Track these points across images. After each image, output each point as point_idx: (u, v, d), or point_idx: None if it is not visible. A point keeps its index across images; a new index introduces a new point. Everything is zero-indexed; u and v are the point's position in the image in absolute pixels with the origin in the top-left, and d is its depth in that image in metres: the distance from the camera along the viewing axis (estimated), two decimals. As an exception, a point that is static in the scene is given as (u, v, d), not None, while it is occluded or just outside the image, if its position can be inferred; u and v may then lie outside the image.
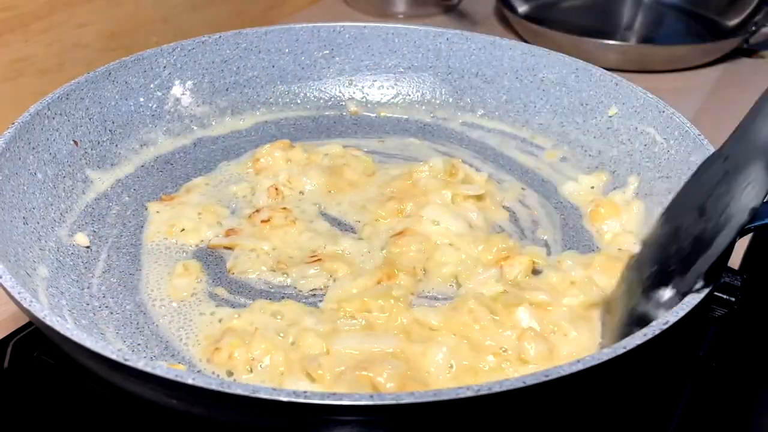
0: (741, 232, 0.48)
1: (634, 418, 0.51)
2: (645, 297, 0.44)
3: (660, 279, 0.44)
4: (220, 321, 0.52)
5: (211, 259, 0.57)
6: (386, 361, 0.45)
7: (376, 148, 0.71)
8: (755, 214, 0.42)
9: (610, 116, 0.67)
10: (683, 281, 0.42)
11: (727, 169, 0.43)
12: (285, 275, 0.55)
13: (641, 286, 0.46)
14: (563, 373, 0.36)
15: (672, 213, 0.48)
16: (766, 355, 0.58)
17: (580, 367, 0.36)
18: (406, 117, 0.75)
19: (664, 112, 0.62)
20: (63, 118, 0.60)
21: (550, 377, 0.36)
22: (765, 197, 0.40)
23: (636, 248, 0.55)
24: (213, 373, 0.47)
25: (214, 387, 0.35)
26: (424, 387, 0.44)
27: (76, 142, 0.60)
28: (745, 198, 0.40)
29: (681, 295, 0.42)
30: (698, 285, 0.42)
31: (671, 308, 0.41)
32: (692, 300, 0.42)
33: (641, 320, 0.43)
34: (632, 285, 0.48)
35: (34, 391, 0.51)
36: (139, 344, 0.50)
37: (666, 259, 0.45)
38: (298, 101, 0.75)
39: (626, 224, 0.60)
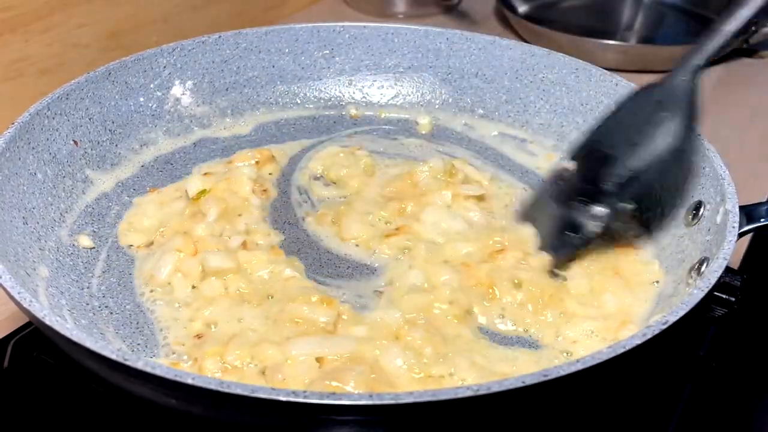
0: (742, 233, 0.49)
1: (634, 418, 0.51)
2: (580, 209, 0.51)
3: (596, 197, 0.51)
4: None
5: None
6: (349, 368, 0.44)
7: (376, 148, 0.71)
8: (750, 212, 0.48)
9: (610, 116, 0.67)
10: (615, 201, 0.51)
11: (656, 111, 0.50)
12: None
13: (574, 197, 0.53)
14: (562, 372, 0.36)
15: (605, 140, 0.54)
16: (766, 355, 0.58)
17: (579, 366, 0.36)
18: (406, 117, 0.75)
19: (663, 112, 0.62)
20: (63, 118, 0.60)
21: (548, 377, 0.36)
22: (681, 138, 0.49)
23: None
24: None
25: (212, 387, 0.35)
26: (392, 389, 0.43)
27: (75, 142, 0.60)
28: (669, 141, 0.49)
29: (612, 211, 0.51)
30: (629, 206, 0.51)
31: (603, 222, 0.50)
32: (692, 300, 0.42)
33: (575, 227, 0.52)
34: (562, 194, 0.55)
35: (34, 391, 0.51)
36: (138, 344, 0.50)
37: (600, 179, 0.52)
38: (298, 101, 0.75)
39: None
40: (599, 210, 0.51)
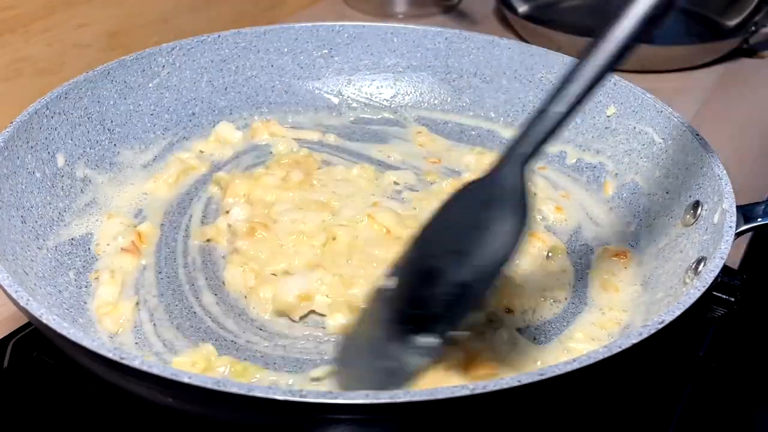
0: (739, 233, 0.48)
1: (634, 418, 0.51)
2: (406, 340, 0.42)
3: (422, 322, 0.42)
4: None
5: (208, 258, 0.58)
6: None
7: (374, 150, 0.71)
8: (749, 211, 0.45)
9: (609, 116, 0.66)
10: (445, 325, 0.42)
11: (483, 212, 0.42)
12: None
13: (401, 326, 0.43)
14: (558, 372, 0.36)
15: (428, 250, 0.44)
16: (766, 355, 0.58)
17: (576, 366, 0.36)
18: (405, 117, 0.75)
19: (662, 111, 0.62)
20: (62, 118, 0.60)
21: (545, 376, 0.36)
22: (510, 243, 0.40)
23: None
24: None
25: (209, 386, 0.35)
26: None
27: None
28: (499, 246, 0.40)
29: (446, 339, 0.41)
30: (464, 334, 0.43)
31: (433, 353, 0.41)
32: (688, 299, 0.42)
33: (402, 365, 0.42)
34: (383, 322, 0.44)
35: (34, 391, 0.51)
36: (137, 343, 0.50)
37: (424, 301, 0.42)
38: (297, 100, 0.75)
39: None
40: (429, 339, 0.41)
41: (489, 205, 0.41)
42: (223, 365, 0.48)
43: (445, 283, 0.42)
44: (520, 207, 0.40)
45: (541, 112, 0.41)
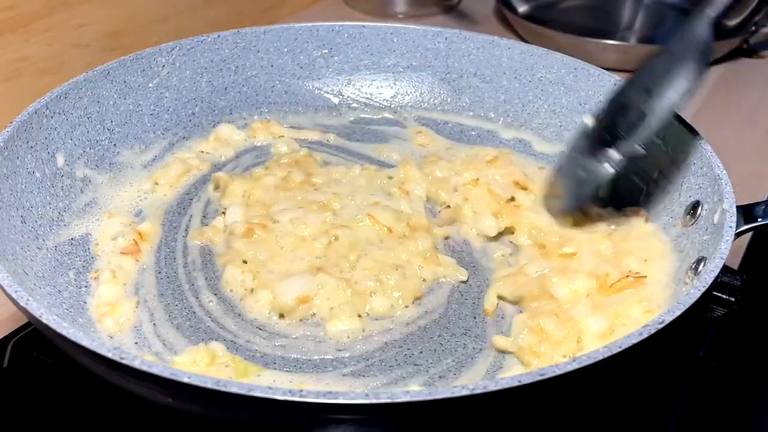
0: (739, 232, 0.48)
1: (634, 418, 0.51)
2: (592, 157, 0.55)
3: (606, 142, 0.54)
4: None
5: (208, 258, 0.58)
6: None
7: (374, 150, 0.71)
8: (749, 211, 0.48)
9: (609, 116, 0.66)
10: (627, 144, 0.54)
11: (669, 61, 0.54)
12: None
13: (589, 150, 0.56)
14: (559, 372, 0.36)
15: (625, 96, 0.57)
16: (766, 355, 0.58)
17: (576, 366, 0.36)
18: (405, 117, 0.75)
19: (662, 111, 0.61)
20: (61, 117, 0.60)
21: (545, 376, 0.36)
22: (692, 83, 0.52)
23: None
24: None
25: (209, 385, 0.35)
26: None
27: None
28: (679, 83, 0.52)
29: (624, 155, 0.53)
30: (640, 150, 0.53)
31: (615, 166, 0.53)
32: (688, 299, 0.42)
33: (586, 179, 0.55)
34: (579, 151, 0.58)
35: (34, 391, 0.51)
36: (136, 343, 0.50)
37: (614, 127, 0.55)
38: (297, 100, 0.75)
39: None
40: (612, 153, 0.54)
41: (674, 53, 0.53)
42: (226, 362, 0.48)
43: (632, 114, 0.53)
44: (701, 54, 0.52)
45: None
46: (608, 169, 0.54)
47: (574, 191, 0.57)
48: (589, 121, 0.59)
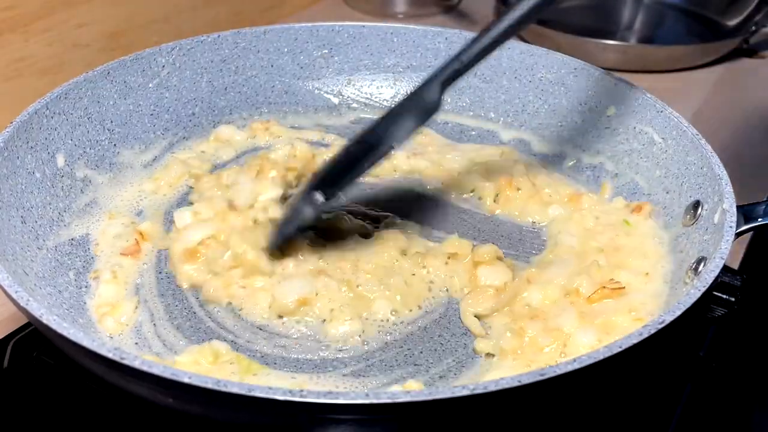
0: (739, 232, 0.48)
1: (634, 418, 0.51)
2: (304, 198, 0.53)
3: (317, 185, 0.52)
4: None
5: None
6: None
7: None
8: (749, 211, 0.47)
9: (609, 116, 0.66)
10: (336, 189, 0.52)
11: (395, 116, 0.52)
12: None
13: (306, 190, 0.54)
14: (559, 372, 0.36)
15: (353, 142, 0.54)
16: (766, 355, 0.58)
17: (576, 366, 0.36)
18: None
19: (662, 111, 0.62)
20: (61, 118, 0.60)
21: (545, 376, 0.36)
22: (408, 134, 0.51)
23: None
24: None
25: (209, 386, 0.35)
26: None
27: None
28: (396, 132, 0.51)
29: (326, 197, 0.51)
30: (336, 195, 0.52)
31: (317, 208, 0.51)
32: (689, 299, 0.42)
33: (294, 214, 0.53)
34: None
35: (34, 391, 0.51)
36: (137, 343, 0.50)
37: (329, 170, 0.54)
38: (297, 100, 0.75)
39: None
40: (316, 196, 0.52)
41: (405, 107, 0.52)
42: (231, 359, 0.48)
43: (345, 155, 0.53)
44: (428, 113, 0.51)
45: (457, 55, 0.52)
46: (310, 212, 0.52)
47: (280, 229, 0.55)
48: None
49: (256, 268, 0.53)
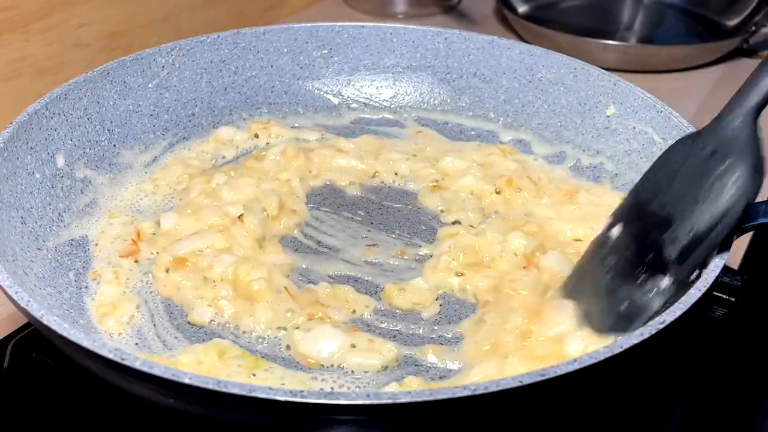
0: (739, 231, 0.48)
1: (634, 418, 0.51)
2: (639, 284, 0.45)
3: (657, 266, 0.44)
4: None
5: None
6: None
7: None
8: (749, 210, 0.43)
9: (609, 116, 0.67)
10: (681, 270, 0.44)
11: (714, 162, 0.44)
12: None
13: (629, 269, 0.46)
14: (560, 372, 0.36)
15: (654, 199, 0.47)
16: (766, 355, 0.58)
17: (577, 366, 0.36)
18: (405, 117, 0.75)
19: (662, 111, 0.62)
20: (61, 118, 0.60)
21: (546, 376, 0.36)
22: (754, 195, 0.43)
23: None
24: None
25: (210, 386, 0.35)
26: None
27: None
28: (737, 192, 0.42)
29: (678, 283, 0.44)
30: (694, 275, 0.44)
31: (667, 296, 0.43)
32: (689, 299, 0.42)
33: (636, 308, 0.45)
34: (612, 266, 0.48)
35: (34, 391, 0.51)
36: (137, 344, 0.50)
37: (659, 245, 0.45)
38: (297, 101, 0.75)
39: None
40: (664, 282, 0.44)
41: (720, 155, 0.43)
42: (237, 355, 0.48)
43: (677, 230, 0.44)
44: (756, 156, 0.42)
45: (764, 67, 0.43)
46: (657, 303, 0.43)
47: (607, 326, 0.46)
48: (610, 231, 0.49)
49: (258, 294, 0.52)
